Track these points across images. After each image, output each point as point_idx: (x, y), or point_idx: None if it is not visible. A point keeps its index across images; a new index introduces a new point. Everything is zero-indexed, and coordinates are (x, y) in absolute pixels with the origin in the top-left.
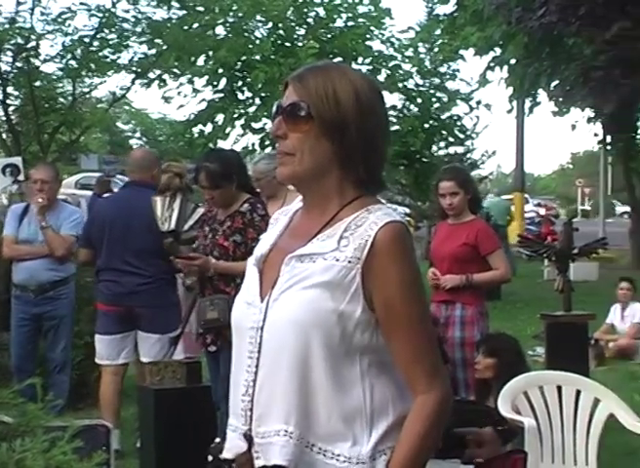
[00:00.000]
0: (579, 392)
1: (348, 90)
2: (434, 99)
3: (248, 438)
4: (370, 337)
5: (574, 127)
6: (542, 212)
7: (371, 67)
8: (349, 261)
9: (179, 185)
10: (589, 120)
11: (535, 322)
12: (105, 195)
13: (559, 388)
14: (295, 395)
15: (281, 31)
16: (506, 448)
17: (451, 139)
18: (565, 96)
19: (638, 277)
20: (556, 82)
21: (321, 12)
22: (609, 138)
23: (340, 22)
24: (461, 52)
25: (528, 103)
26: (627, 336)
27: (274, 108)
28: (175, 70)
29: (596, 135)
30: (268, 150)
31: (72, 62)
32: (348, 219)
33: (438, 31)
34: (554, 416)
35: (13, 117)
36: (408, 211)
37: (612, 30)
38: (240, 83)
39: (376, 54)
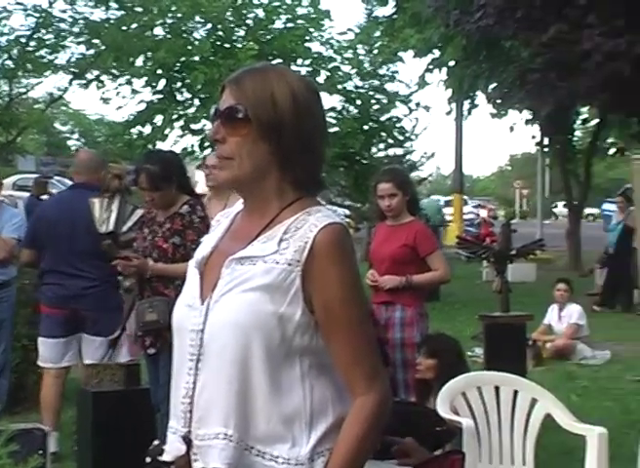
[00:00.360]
0: (516, 392)
1: (285, 91)
2: (373, 101)
3: (187, 440)
4: (310, 340)
5: (512, 129)
6: (484, 213)
7: (310, 69)
8: (289, 264)
9: (117, 187)
10: (527, 122)
11: (473, 323)
12: (43, 197)
13: (497, 388)
14: (234, 397)
15: (220, 32)
16: (445, 449)
17: (390, 141)
18: (503, 98)
19: (575, 278)
20: (494, 84)
21: (260, 13)
22: (546, 140)
23: (279, 24)
24: (401, 54)
25: (467, 105)
26: (564, 337)
27: (212, 112)
28: (113, 71)
29: (534, 137)
30: (208, 152)
31: (8, 62)
32: (288, 222)
33: (377, 33)
34: (492, 417)
35: None
36: (348, 212)
37: (548, 33)
38: (179, 84)
39: (315, 55)
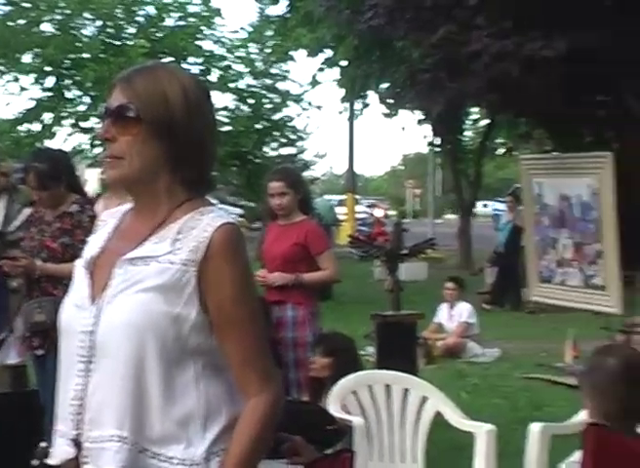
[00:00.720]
0: (407, 390)
1: (177, 90)
2: (266, 100)
3: (76, 443)
4: (205, 340)
5: (404, 129)
6: (380, 213)
7: (202, 67)
8: (184, 264)
9: (4, 185)
10: (419, 122)
11: (366, 322)
12: None
13: (388, 387)
14: (128, 399)
15: (110, 29)
16: (336, 448)
17: (282, 140)
18: (394, 98)
19: (466, 276)
20: (386, 84)
21: (151, 10)
22: (438, 140)
23: (170, 22)
24: (293, 53)
25: (359, 105)
26: (455, 335)
27: (102, 110)
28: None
29: (425, 137)
30: (98, 151)
31: None
32: (181, 222)
33: (270, 32)
34: (383, 415)
35: None
36: (241, 212)
37: (438, 34)
38: (69, 81)
39: (207, 54)
